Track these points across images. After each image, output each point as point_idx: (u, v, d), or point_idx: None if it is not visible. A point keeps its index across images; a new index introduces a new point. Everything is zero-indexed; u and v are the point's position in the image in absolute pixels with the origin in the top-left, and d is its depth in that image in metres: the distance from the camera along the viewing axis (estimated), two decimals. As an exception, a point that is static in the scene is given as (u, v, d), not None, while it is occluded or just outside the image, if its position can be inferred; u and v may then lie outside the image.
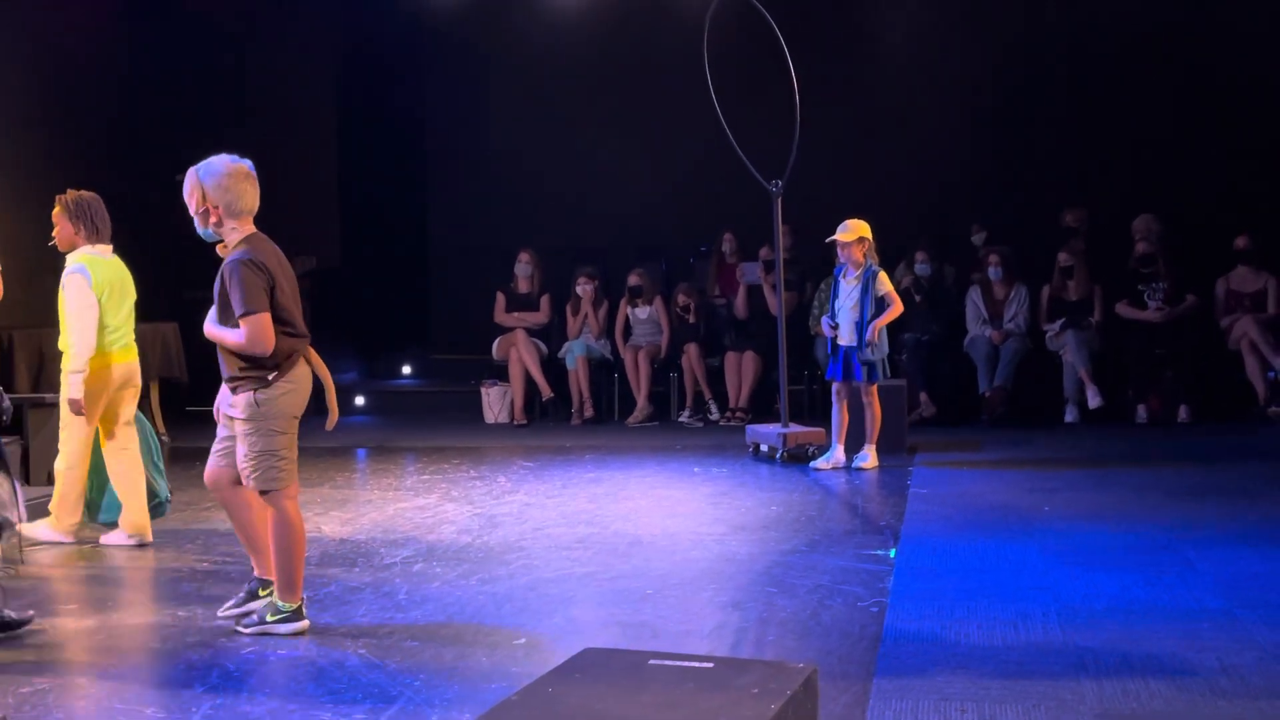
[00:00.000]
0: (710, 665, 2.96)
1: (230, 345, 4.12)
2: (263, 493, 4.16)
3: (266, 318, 4.04)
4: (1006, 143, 10.84)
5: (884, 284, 7.44)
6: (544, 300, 10.41)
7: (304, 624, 4.16)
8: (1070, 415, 9.28)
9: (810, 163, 8.56)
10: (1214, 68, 10.43)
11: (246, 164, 4.16)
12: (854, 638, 4.07)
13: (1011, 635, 4.03)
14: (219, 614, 4.37)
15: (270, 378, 4.10)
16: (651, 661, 2.98)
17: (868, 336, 7.32)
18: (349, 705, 3.54)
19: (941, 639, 4.02)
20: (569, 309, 10.39)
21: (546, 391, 10.06)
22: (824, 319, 7.61)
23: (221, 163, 4.11)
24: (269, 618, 4.16)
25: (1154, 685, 3.54)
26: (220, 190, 4.07)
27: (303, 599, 4.20)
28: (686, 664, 2.95)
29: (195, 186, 4.11)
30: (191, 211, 4.14)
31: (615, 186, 11.42)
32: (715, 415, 9.81)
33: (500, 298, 10.42)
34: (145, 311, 9.14)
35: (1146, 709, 3.38)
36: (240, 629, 4.19)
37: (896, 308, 7.45)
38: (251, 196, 4.13)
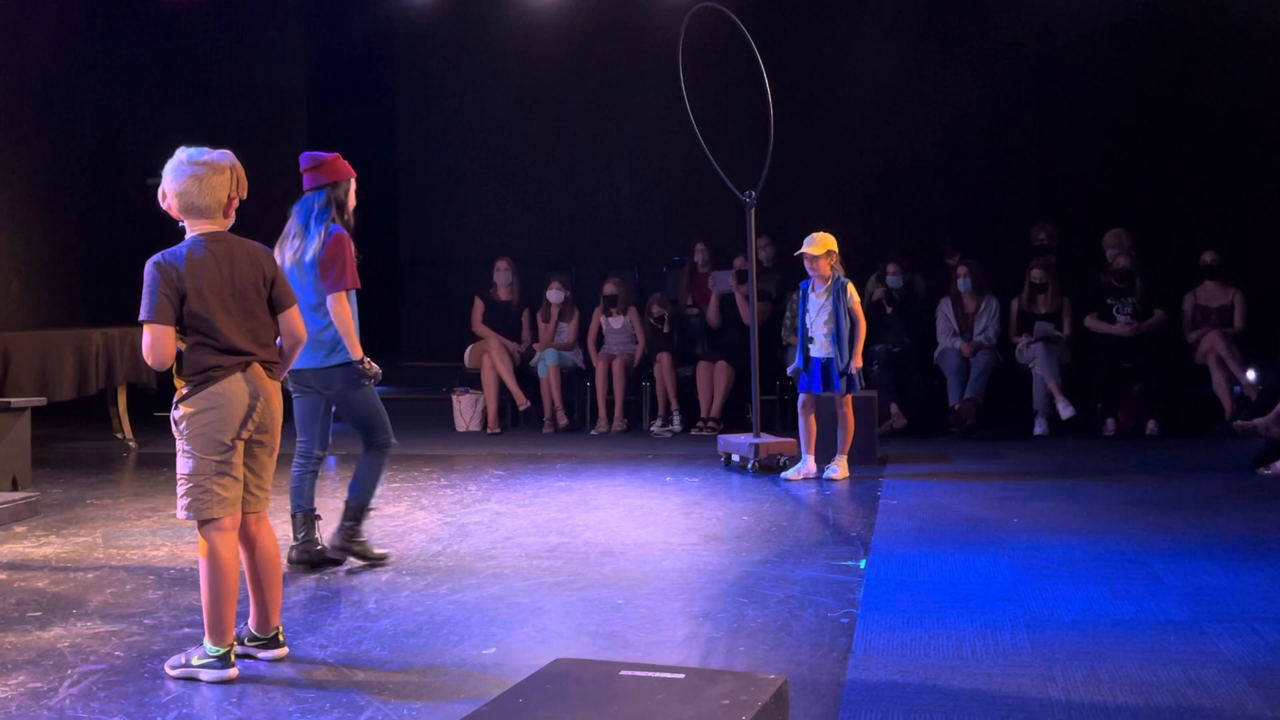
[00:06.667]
0: (681, 676, 2.95)
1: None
2: (198, 522, 3.85)
3: (158, 328, 3.72)
4: (977, 157, 10.92)
5: (852, 296, 7.47)
6: (524, 317, 10.39)
7: (232, 672, 3.80)
8: (1039, 428, 9.34)
9: (783, 174, 8.59)
10: (1183, 85, 10.55)
11: (216, 158, 3.85)
12: (824, 648, 4.07)
13: (980, 646, 4.05)
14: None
15: (184, 392, 3.81)
16: (622, 672, 2.97)
17: (853, 368, 7.34)
18: (317, 715, 3.51)
19: (911, 650, 4.03)
20: (539, 316, 10.37)
21: (523, 402, 10.04)
22: (799, 346, 7.60)
23: (192, 153, 3.85)
24: (195, 661, 3.83)
25: (1121, 697, 3.56)
26: (175, 182, 3.82)
27: (233, 644, 3.86)
28: (657, 675, 2.94)
29: (165, 174, 3.87)
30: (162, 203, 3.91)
31: (589, 196, 11.44)
32: (678, 427, 9.80)
33: (478, 304, 10.38)
34: (115, 315, 9.16)
35: (1114, 721, 3.40)
36: (167, 669, 3.88)
37: (862, 325, 7.49)
38: (209, 194, 3.81)
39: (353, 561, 5.37)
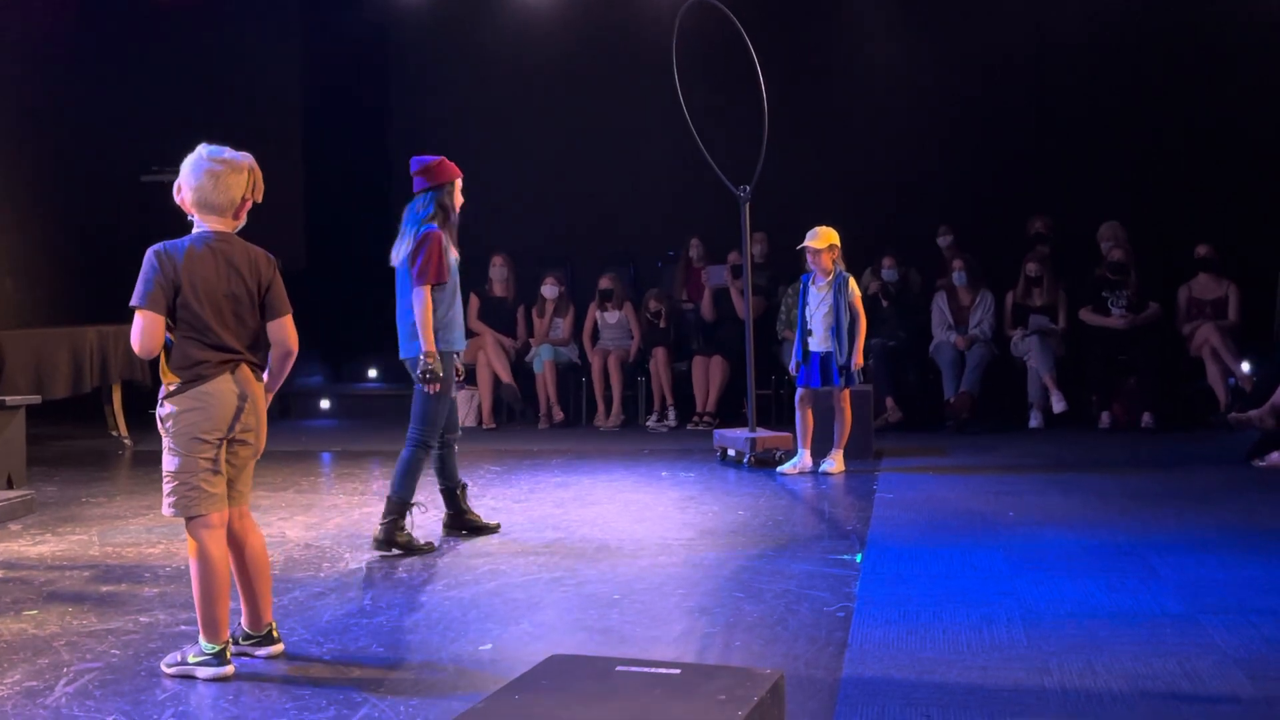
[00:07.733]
0: (677, 671, 2.95)
1: None
2: (186, 520, 3.86)
3: (149, 316, 3.73)
4: (973, 150, 10.92)
5: (854, 291, 7.48)
6: (519, 314, 10.38)
7: (228, 669, 3.79)
8: (1034, 421, 9.35)
9: (778, 168, 8.58)
10: (1177, 77, 10.56)
11: (235, 158, 3.85)
12: (820, 643, 4.08)
13: (976, 640, 4.05)
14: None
15: (171, 388, 3.79)
16: (618, 668, 2.98)
17: (853, 364, 7.36)
18: (313, 712, 3.51)
19: (907, 644, 4.03)
20: (534, 311, 10.37)
21: (507, 378, 9.95)
22: (798, 340, 7.61)
23: (212, 150, 3.87)
24: (190, 659, 3.82)
25: (1116, 689, 3.56)
26: (192, 176, 3.84)
27: (228, 641, 3.86)
28: (653, 670, 2.94)
29: (183, 167, 3.87)
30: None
31: (584, 191, 11.42)
32: (673, 422, 9.81)
33: (474, 300, 10.38)
34: (109, 313, 9.14)
35: (1109, 713, 3.40)
36: (163, 667, 3.87)
37: (862, 320, 7.49)
38: (222, 193, 3.82)
39: (350, 561, 5.36)
